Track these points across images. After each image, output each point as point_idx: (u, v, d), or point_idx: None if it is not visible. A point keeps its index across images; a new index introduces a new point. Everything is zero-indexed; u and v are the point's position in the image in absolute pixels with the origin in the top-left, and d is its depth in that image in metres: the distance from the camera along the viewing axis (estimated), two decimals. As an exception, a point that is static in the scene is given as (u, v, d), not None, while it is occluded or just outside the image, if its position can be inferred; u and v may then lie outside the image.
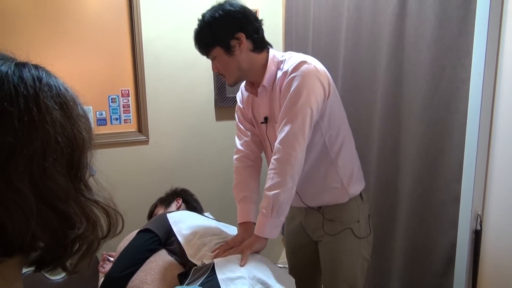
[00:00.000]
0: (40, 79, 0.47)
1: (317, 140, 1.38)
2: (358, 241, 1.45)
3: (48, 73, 0.49)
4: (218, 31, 1.33)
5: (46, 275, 1.94)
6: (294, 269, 1.68)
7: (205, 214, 1.92)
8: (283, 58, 1.40)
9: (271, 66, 1.39)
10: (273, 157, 1.31)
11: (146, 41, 2.20)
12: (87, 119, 0.53)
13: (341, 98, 1.94)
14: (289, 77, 1.30)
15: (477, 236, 1.39)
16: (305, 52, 1.56)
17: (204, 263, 1.26)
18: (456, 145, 1.43)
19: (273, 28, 2.52)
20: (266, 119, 1.45)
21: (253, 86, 1.46)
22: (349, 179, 1.44)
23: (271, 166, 1.32)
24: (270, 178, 1.30)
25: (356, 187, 1.46)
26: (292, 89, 1.29)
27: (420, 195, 1.60)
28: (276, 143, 1.31)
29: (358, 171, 1.50)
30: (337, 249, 1.46)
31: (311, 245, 1.56)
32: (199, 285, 1.14)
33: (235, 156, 1.58)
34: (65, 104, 0.47)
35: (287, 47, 2.49)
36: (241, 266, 1.22)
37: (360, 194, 1.48)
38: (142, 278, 1.35)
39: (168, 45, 2.26)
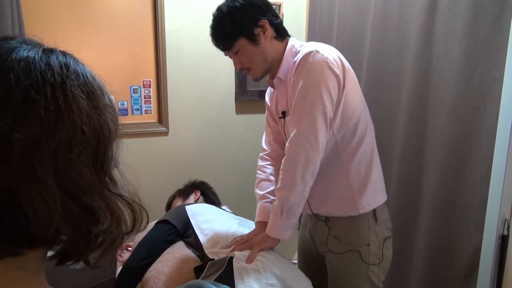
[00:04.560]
0: (67, 66, 0.45)
1: (328, 140, 1.24)
2: (366, 267, 1.30)
3: (75, 60, 0.48)
4: (241, 19, 1.25)
5: (66, 261, 1.98)
6: None
7: (223, 207, 1.92)
8: (301, 48, 1.29)
9: (288, 56, 1.30)
10: (284, 158, 1.24)
11: (169, 32, 2.19)
12: (114, 109, 0.51)
13: (365, 94, 1.89)
14: (297, 69, 1.21)
15: (503, 241, 1.34)
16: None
17: (220, 258, 1.25)
18: (484, 147, 1.38)
19: (296, 22, 2.48)
20: (284, 113, 1.36)
21: (274, 78, 1.38)
22: (361, 188, 1.27)
23: (281, 166, 1.24)
24: (280, 179, 1.24)
25: (369, 199, 1.28)
26: (300, 83, 1.19)
27: (443, 196, 1.55)
28: (286, 143, 1.24)
29: (376, 181, 1.31)
30: (341, 270, 1.34)
31: (319, 257, 1.43)
32: (214, 280, 1.13)
33: (259, 155, 1.54)
34: (92, 93, 0.46)
35: (310, 41, 2.45)
36: (247, 264, 1.19)
37: (374, 213, 1.30)
38: (159, 269, 1.36)
39: (190, 36, 2.25)
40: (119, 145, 0.51)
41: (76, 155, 0.42)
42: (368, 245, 1.29)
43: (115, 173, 0.50)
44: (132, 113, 2.24)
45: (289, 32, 1.38)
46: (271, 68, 1.35)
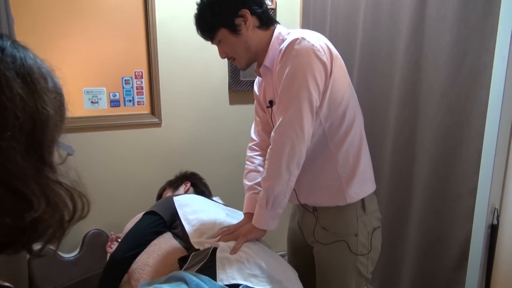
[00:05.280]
0: (2, 49, 0.44)
1: (315, 129, 1.22)
2: (354, 257, 1.28)
3: (15, 44, 0.46)
4: (221, 10, 1.24)
5: (59, 252, 1.98)
6: None
7: (214, 198, 1.91)
8: (287, 36, 1.25)
9: (274, 45, 1.26)
10: (269, 147, 1.22)
11: (160, 22, 2.17)
12: (59, 94, 0.50)
13: (357, 83, 1.88)
14: (282, 57, 1.18)
15: (493, 230, 1.32)
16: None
17: (204, 248, 1.24)
18: (475, 135, 1.35)
19: (290, 10, 2.44)
20: (271, 103, 1.34)
21: (261, 67, 1.35)
22: (349, 178, 1.25)
23: (267, 156, 1.23)
24: (265, 169, 1.23)
25: (357, 189, 1.27)
26: (285, 71, 1.16)
27: (435, 186, 1.53)
28: (272, 132, 1.21)
29: (365, 170, 1.29)
30: (328, 261, 1.33)
31: (308, 248, 1.41)
32: (196, 271, 1.12)
33: (248, 145, 1.53)
34: (29, 76, 0.44)
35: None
36: (231, 254, 1.18)
37: (363, 203, 1.29)
38: (145, 260, 1.35)
39: (182, 26, 2.22)
40: (64, 131, 0.50)
41: (7, 140, 0.40)
42: (356, 235, 1.28)
43: (57, 160, 0.49)
44: (125, 105, 2.22)
45: (283, 20, 1.35)
46: (257, 57, 1.33)
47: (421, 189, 1.59)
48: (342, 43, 1.98)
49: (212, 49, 2.27)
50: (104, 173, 2.20)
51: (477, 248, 1.36)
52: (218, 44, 1.30)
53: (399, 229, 1.73)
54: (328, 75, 1.17)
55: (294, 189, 1.30)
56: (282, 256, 2.66)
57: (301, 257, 1.48)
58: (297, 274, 1.31)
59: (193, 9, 2.17)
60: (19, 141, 0.42)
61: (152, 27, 2.15)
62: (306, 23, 2.37)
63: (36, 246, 0.49)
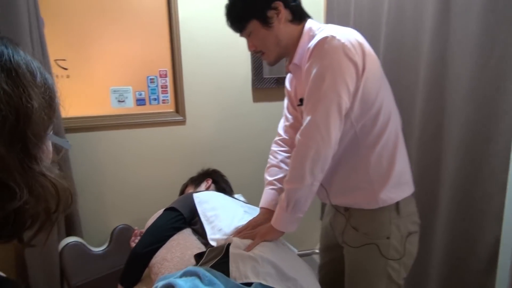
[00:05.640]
0: None
1: (346, 131, 1.17)
2: (385, 261, 1.21)
3: (4, 41, 0.48)
4: (254, 1, 1.21)
5: (89, 246, 2.06)
6: (323, 269, 1.56)
7: (236, 196, 1.91)
8: (318, 31, 1.20)
9: (304, 41, 1.21)
10: (294, 150, 1.18)
11: (183, 21, 2.19)
12: (49, 90, 0.51)
13: (381, 78, 1.82)
14: (311, 56, 1.13)
15: (524, 232, 1.24)
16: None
17: (219, 245, 1.24)
18: (504, 130, 1.28)
19: (315, 3, 2.40)
20: (301, 101, 1.28)
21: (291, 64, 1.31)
22: (383, 182, 1.18)
23: (291, 157, 1.20)
24: (289, 171, 1.20)
25: (391, 193, 1.19)
26: (314, 71, 1.11)
27: (462, 184, 1.46)
28: (297, 134, 1.16)
29: (400, 174, 1.21)
30: (357, 263, 1.27)
31: (339, 248, 1.36)
32: (211, 266, 1.13)
33: (274, 139, 1.51)
34: (15, 71, 0.46)
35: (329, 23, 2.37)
36: (246, 251, 1.17)
37: (397, 205, 1.21)
38: (163, 255, 1.37)
39: (204, 25, 2.24)
40: (51, 125, 0.51)
41: None
42: (388, 238, 1.21)
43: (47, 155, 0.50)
44: (150, 103, 2.27)
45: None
46: (286, 53, 1.29)
47: (447, 188, 1.52)
48: (366, 37, 1.90)
49: (235, 47, 2.30)
50: (130, 170, 2.26)
51: (507, 250, 1.29)
52: (248, 36, 1.27)
53: (424, 230, 1.66)
54: (359, 75, 1.12)
55: (325, 189, 1.28)
56: (308, 255, 2.66)
57: (333, 256, 1.45)
58: (312, 271, 1.29)
59: (215, 8, 2.20)
60: (2, 133, 0.43)
61: (175, 26, 2.18)
62: (330, 17, 2.32)
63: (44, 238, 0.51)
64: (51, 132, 0.56)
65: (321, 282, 1.53)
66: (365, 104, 1.15)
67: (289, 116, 1.45)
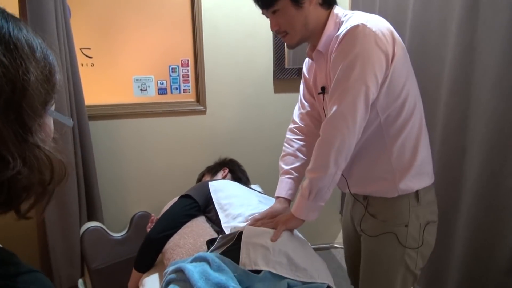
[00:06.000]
0: None
1: (371, 121, 1.15)
2: (402, 249, 1.20)
3: (5, 15, 0.49)
4: None
5: (109, 231, 2.10)
6: (346, 260, 1.54)
7: (253, 186, 1.90)
8: (345, 18, 1.17)
9: (330, 27, 1.17)
10: (318, 138, 1.17)
11: (205, 10, 2.19)
12: (49, 66, 0.52)
13: (405, 68, 1.76)
14: (340, 44, 1.10)
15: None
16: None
17: (232, 232, 1.24)
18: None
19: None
20: (323, 89, 1.26)
21: (314, 51, 1.26)
22: (404, 172, 1.17)
23: (315, 147, 1.18)
24: (313, 160, 1.18)
25: (411, 183, 1.18)
26: (343, 60, 1.08)
27: (487, 180, 1.39)
28: (323, 123, 1.16)
29: (422, 164, 1.20)
30: (374, 252, 1.26)
31: (357, 238, 1.35)
32: (221, 253, 1.13)
33: (289, 127, 1.49)
34: (14, 44, 0.47)
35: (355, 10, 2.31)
36: (272, 241, 1.18)
37: (417, 193, 1.20)
38: (176, 241, 1.38)
39: (227, 14, 2.23)
40: (51, 100, 0.52)
41: None
42: (406, 226, 1.20)
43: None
44: (171, 92, 2.29)
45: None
46: (310, 37, 1.24)
47: (471, 183, 1.46)
48: (391, 24, 1.86)
49: (257, 36, 2.28)
50: (151, 158, 2.29)
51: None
52: (273, 14, 1.20)
53: (446, 226, 1.61)
54: (389, 64, 1.09)
55: (345, 178, 1.27)
56: (326, 248, 2.63)
57: (353, 246, 1.43)
58: (325, 264, 1.27)
59: (237, -3, 2.18)
60: None
61: (198, 16, 2.18)
62: (355, 4, 2.27)
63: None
64: (53, 108, 0.56)
65: (350, 275, 1.52)
66: (392, 94, 1.13)
67: (306, 104, 1.42)
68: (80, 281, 1.98)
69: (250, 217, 1.35)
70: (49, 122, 0.56)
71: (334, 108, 1.10)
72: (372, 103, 1.11)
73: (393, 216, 1.21)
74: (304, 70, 1.41)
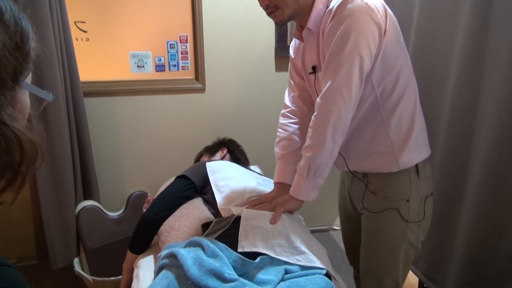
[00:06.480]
0: None
1: (367, 95, 1.15)
2: (405, 224, 1.21)
3: None
4: None
5: (105, 210, 2.07)
6: (345, 240, 1.53)
7: (252, 167, 1.86)
8: None
9: (318, 4, 1.16)
10: (314, 114, 1.14)
11: (205, -16, 2.10)
12: (21, 31, 0.46)
13: (414, 46, 1.69)
14: (333, 17, 1.08)
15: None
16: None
17: (228, 216, 1.20)
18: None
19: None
20: (314, 68, 1.25)
21: (301, 30, 1.25)
22: (403, 144, 1.18)
23: (310, 123, 1.16)
24: (309, 137, 1.16)
25: (411, 155, 1.19)
26: (337, 32, 1.06)
27: (495, 164, 1.34)
28: (317, 98, 1.13)
29: (418, 136, 1.21)
30: (376, 228, 1.25)
31: (356, 216, 1.35)
32: (216, 238, 1.09)
33: (281, 112, 1.45)
34: None
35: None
36: (271, 223, 1.14)
37: (417, 168, 1.21)
38: (171, 224, 1.34)
39: (227, -12, 2.13)
40: (24, 72, 0.46)
41: None
42: (407, 200, 1.20)
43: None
44: (169, 69, 2.22)
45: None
46: (299, 14, 1.20)
47: (478, 167, 1.40)
48: (399, 2, 1.77)
49: (258, 12, 2.16)
50: (149, 137, 2.24)
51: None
52: None
53: (450, 211, 1.56)
54: (381, 37, 1.08)
55: (342, 156, 1.25)
56: (325, 230, 2.60)
57: (352, 225, 1.41)
58: (325, 250, 1.23)
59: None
60: None
61: (197, -11, 2.09)
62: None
63: None
64: (28, 81, 0.50)
65: (348, 255, 1.51)
66: (386, 66, 1.12)
67: (295, 86, 1.40)
68: (76, 260, 1.96)
69: (248, 201, 1.31)
70: (23, 97, 0.50)
71: (329, 83, 1.09)
72: (367, 76, 1.10)
73: (395, 192, 1.21)
74: (291, 52, 1.39)
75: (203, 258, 0.97)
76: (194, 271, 0.93)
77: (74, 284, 2.00)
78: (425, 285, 1.79)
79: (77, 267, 1.91)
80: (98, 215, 2.03)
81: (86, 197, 2.09)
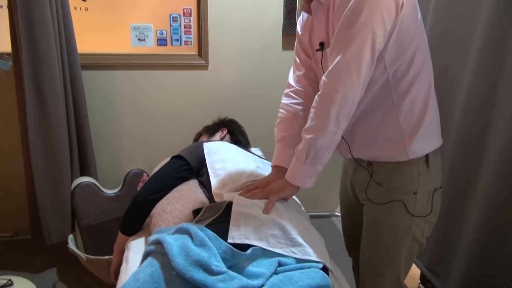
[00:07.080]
0: None
1: (378, 76, 1.04)
2: (410, 218, 1.12)
3: None
4: None
5: (101, 188, 2.02)
6: (344, 230, 1.45)
7: (253, 149, 1.78)
8: None
9: None
10: (317, 94, 1.04)
11: (211, -47, 1.98)
12: None
13: (431, 27, 1.58)
14: None
15: None
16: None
17: (219, 202, 1.13)
18: None
19: None
20: (321, 45, 1.14)
21: (310, 2, 1.13)
22: (413, 132, 1.08)
23: (313, 103, 1.06)
24: (310, 118, 1.06)
25: (422, 144, 1.09)
26: (348, 5, 0.97)
27: (511, 157, 1.25)
28: (323, 76, 1.03)
29: (431, 124, 1.10)
30: (379, 221, 1.17)
31: (358, 208, 1.26)
32: (206, 225, 1.02)
33: (284, 91, 1.36)
34: None
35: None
36: (264, 213, 1.07)
37: (427, 158, 1.11)
38: (164, 206, 1.28)
39: (235, -42, 2.01)
40: None
41: None
42: (415, 193, 1.11)
43: None
44: (172, 44, 2.12)
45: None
46: None
47: (493, 159, 1.31)
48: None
49: (267, -15, 2.07)
50: (147, 114, 2.17)
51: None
52: None
53: (458, 204, 1.49)
54: (398, 11, 0.97)
55: (346, 142, 1.16)
56: (327, 216, 2.54)
57: (353, 216, 1.33)
58: (323, 240, 1.16)
59: None
60: None
61: (202, -42, 1.97)
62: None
63: None
64: None
65: (348, 246, 1.44)
66: (401, 45, 1.01)
67: (301, 64, 1.30)
68: (70, 237, 1.92)
69: (243, 186, 1.23)
70: None
71: (337, 58, 0.98)
72: (379, 55, 1.00)
73: (401, 184, 1.12)
74: (298, 28, 1.28)
75: (190, 247, 0.90)
76: (179, 261, 0.86)
77: (68, 260, 1.98)
78: (427, 278, 1.73)
79: (71, 244, 1.88)
80: (94, 192, 1.98)
81: (82, 173, 2.04)
